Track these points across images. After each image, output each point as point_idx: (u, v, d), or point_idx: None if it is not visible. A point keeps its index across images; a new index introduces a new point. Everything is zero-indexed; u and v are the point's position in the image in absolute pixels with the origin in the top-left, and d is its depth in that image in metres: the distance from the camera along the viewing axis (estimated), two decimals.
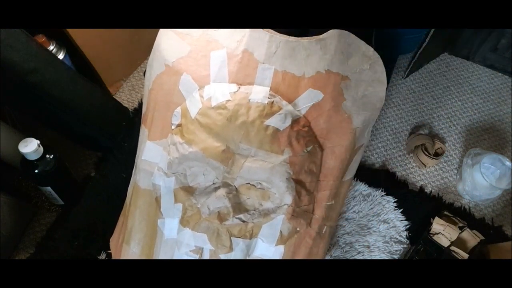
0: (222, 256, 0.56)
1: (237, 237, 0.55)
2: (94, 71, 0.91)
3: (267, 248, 0.56)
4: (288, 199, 0.54)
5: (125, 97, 0.98)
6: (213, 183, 0.55)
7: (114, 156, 0.84)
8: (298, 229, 0.56)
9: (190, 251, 0.56)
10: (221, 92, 0.53)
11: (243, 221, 0.55)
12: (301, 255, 0.58)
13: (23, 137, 0.66)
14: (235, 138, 0.52)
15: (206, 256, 0.56)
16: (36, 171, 0.68)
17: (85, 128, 0.80)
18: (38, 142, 0.66)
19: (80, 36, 0.82)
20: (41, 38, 0.78)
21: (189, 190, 0.55)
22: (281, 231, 0.55)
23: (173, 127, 0.57)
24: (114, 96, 0.97)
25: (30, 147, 0.64)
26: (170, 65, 0.57)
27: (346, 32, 0.56)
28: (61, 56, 0.82)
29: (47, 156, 0.68)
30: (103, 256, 0.74)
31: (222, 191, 0.54)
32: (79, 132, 0.81)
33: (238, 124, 0.52)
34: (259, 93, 0.53)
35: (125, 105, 0.92)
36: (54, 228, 0.78)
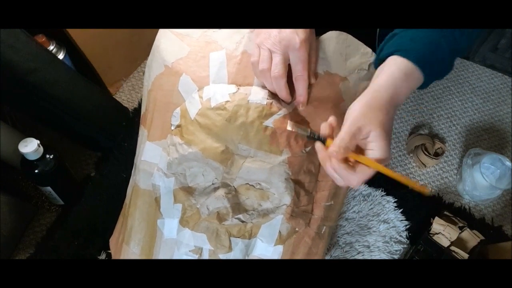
0: (221, 256, 0.56)
1: (236, 237, 0.55)
2: (94, 71, 0.91)
3: (266, 248, 0.56)
4: (287, 199, 0.54)
5: (125, 97, 0.98)
6: (213, 184, 0.55)
7: (114, 156, 0.84)
8: (297, 229, 0.56)
9: (189, 251, 0.56)
10: (220, 93, 0.53)
11: (242, 221, 0.55)
12: (300, 255, 0.58)
13: (23, 137, 0.66)
14: (234, 138, 0.52)
15: (205, 256, 0.56)
16: (36, 171, 0.68)
17: (85, 128, 0.80)
18: (38, 142, 0.66)
19: (80, 36, 0.82)
20: (41, 38, 0.78)
21: (188, 191, 0.56)
22: (280, 231, 0.55)
23: (172, 127, 0.57)
24: (114, 96, 0.97)
25: (30, 147, 0.64)
26: (169, 66, 0.57)
27: (345, 33, 0.56)
28: (61, 56, 0.82)
29: (47, 156, 0.68)
30: (103, 256, 0.74)
31: (221, 192, 0.54)
32: (79, 132, 0.81)
33: (237, 124, 0.52)
34: (258, 94, 0.53)
35: (125, 105, 0.92)
36: (54, 228, 0.78)
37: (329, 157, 0.44)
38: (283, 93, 0.52)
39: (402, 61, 0.45)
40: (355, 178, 0.44)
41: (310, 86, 0.54)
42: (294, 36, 0.47)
